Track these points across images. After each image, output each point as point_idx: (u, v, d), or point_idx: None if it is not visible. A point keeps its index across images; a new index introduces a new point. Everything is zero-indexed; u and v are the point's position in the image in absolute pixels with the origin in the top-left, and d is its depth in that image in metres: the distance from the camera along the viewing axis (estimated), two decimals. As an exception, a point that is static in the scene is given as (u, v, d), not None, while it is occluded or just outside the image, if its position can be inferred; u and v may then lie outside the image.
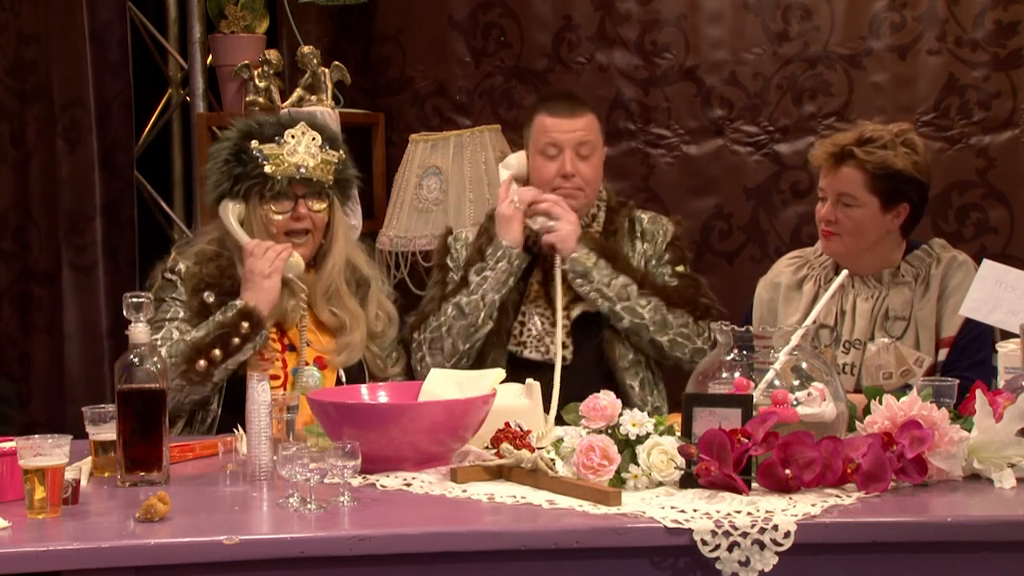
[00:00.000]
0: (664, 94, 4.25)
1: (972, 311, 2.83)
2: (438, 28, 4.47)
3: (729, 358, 2.50)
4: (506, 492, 2.31)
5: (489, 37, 4.43)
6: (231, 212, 3.18)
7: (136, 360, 2.46)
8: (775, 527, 2.07)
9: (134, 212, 4.56)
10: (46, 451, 2.19)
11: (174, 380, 2.97)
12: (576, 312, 3.30)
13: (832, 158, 3.15)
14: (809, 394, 2.41)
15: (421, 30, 4.50)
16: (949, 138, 3.99)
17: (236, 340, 3.04)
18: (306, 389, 2.98)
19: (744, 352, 2.49)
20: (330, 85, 4.28)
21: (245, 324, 3.05)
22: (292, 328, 3.19)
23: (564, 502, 2.23)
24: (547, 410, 2.86)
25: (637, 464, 2.30)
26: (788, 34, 4.13)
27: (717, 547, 2.07)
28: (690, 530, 2.07)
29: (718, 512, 2.12)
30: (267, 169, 3.15)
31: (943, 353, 3.10)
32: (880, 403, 2.39)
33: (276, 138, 3.16)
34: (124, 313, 2.51)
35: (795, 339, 2.46)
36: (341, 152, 3.25)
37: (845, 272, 2.79)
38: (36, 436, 2.21)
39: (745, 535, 2.07)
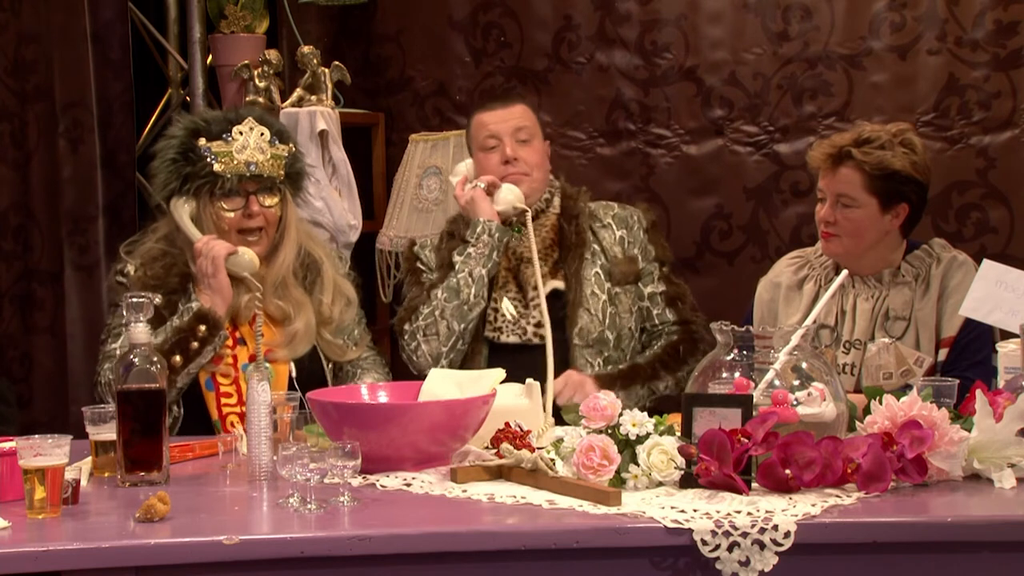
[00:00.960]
0: (664, 94, 4.25)
1: (972, 311, 2.83)
2: (438, 28, 4.47)
3: (729, 358, 2.50)
4: (506, 492, 2.31)
5: (489, 37, 4.43)
6: (183, 210, 3.16)
7: (136, 360, 2.46)
8: (775, 527, 2.07)
9: (136, 212, 4.56)
10: (46, 451, 2.19)
11: None
12: (548, 289, 3.31)
13: (830, 159, 3.15)
14: (809, 394, 2.41)
15: (421, 30, 4.50)
16: (949, 138, 3.99)
17: (195, 344, 3.04)
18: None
19: (744, 352, 2.49)
20: (330, 85, 4.28)
21: (202, 327, 3.04)
22: (245, 324, 3.17)
23: (564, 502, 2.23)
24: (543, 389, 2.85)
25: (637, 464, 2.30)
26: (788, 34, 4.12)
27: (717, 547, 2.07)
28: (690, 530, 2.07)
29: (718, 512, 2.12)
30: (216, 168, 3.12)
31: (943, 353, 3.10)
32: (880, 403, 2.39)
33: (224, 135, 3.13)
34: (124, 313, 2.52)
35: (795, 339, 2.46)
36: (291, 145, 3.23)
37: (845, 272, 2.79)
38: (36, 436, 2.21)
39: (745, 535, 2.07)
